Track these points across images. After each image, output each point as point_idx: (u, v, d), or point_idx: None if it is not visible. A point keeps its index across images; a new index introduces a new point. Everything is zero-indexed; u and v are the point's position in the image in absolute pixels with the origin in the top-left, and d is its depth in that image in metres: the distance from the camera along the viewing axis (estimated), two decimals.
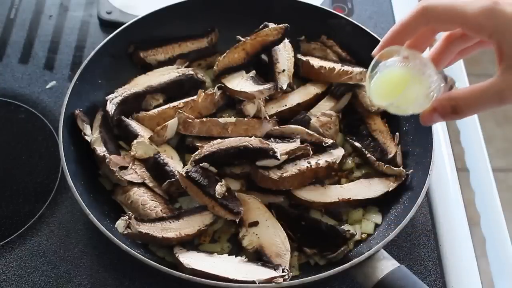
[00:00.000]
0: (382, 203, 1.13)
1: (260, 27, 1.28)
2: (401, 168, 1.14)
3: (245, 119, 1.18)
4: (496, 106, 0.78)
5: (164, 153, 1.15)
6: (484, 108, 0.79)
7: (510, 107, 0.79)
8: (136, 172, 1.12)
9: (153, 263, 0.95)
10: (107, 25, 1.50)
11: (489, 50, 0.82)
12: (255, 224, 1.06)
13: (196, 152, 1.08)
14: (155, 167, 1.13)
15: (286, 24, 1.24)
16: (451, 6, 0.78)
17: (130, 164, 1.13)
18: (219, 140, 1.08)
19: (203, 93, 1.20)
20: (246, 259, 1.01)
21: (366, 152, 1.17)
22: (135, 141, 1.14)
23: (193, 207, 1.08)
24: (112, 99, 1.19)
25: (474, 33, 0.79)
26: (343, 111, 1.25)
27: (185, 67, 1.30)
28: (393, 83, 0.84)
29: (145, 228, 1.00)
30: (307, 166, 1.09)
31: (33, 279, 1.08)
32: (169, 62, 1.31)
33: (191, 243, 1.06)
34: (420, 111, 0.84)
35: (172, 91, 1.24)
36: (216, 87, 1.23)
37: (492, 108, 0.79)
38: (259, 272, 0.96)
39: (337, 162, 1.13)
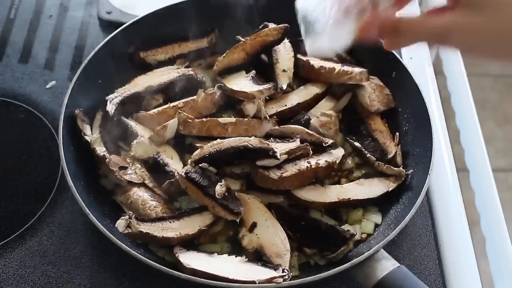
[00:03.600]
0: (382, 203, 1.13)
1: (260, 27, 1.28)
2: (401, 168, 1.14)
3: (245, 119, 1.18)
4: (435, 43, 0.76)
5: (164, 153, 1.15)
6: (423, 39, 0.78)
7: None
8: (136, 172, 1.12)
9: (153, 263, 0.95)
10: (107, 25, 1.50)
11: None
12: (254, 225, 1.06)
13: (196, 152, 1.08)
14: (155, 167, 1.13)
15: (286, 24, 1.24)
16: None
17: (130, 164, 1.13)
18: (219, 140, 1.08)
19: (203, 93, 1.20)
20: (246, 259, 1.01)
21: (366, 152, 1.17)
22: (135, 141, 1.14)
23: (193, 207, 1.08)
24: (112, 99, 1.19)
25: None
26: (343, 111, 1.25)
27: (185, 67, 1.31)
28: None
29: (145, 227, 1.00)
30: (307, 166, 1.09)
31: (33, 279, 1.08)
32: (169, 62, 1.31)
33: (191, 243, 1.06)
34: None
35: (172, 91, 1.24)
36: (216, 87, 1.23)
37: (430, 43, 0.77)
38: (259, 272, 0.96)
39: (337, 162, 1.13)
